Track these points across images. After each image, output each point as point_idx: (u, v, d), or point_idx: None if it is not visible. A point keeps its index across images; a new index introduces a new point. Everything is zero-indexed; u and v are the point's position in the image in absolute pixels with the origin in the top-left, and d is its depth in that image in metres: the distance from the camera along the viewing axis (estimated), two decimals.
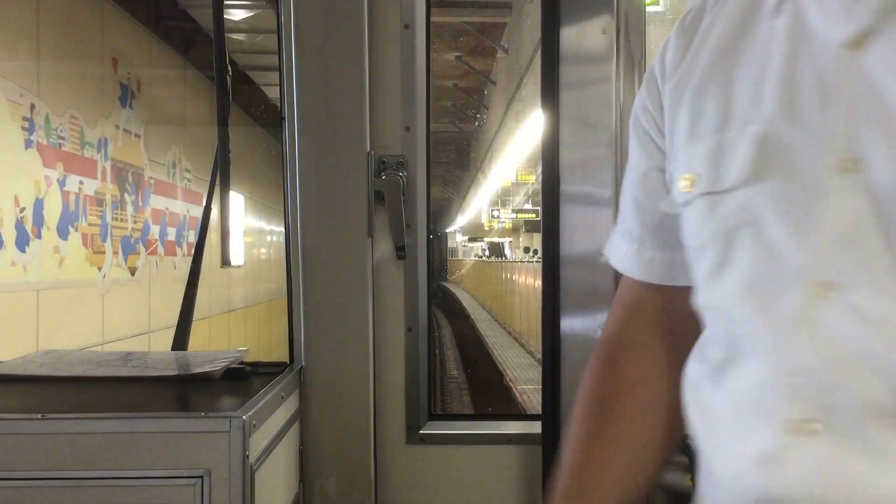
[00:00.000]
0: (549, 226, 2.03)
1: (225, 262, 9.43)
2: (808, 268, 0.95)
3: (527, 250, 23.33)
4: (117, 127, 7.29)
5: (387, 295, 2.11)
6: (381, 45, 2.06)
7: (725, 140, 1.05)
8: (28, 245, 5.66)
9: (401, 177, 2.06)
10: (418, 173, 2.10)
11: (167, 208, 8.56)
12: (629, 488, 1.26)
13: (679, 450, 1.29)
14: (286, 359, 2.09)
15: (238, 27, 9.03)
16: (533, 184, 24.13)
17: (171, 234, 8.68)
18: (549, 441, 2.00)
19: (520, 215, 28.67)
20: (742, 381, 1.03)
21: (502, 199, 30.91)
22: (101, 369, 1.94)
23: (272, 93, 11.13)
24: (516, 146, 16.86)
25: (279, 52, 2.05)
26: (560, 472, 1.28)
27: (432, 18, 2.13)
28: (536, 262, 12.70)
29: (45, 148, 5.92)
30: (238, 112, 9.84)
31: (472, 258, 36.27)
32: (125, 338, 7.20)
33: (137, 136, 7.74)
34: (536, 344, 10.84)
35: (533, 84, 11.91)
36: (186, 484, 1.42)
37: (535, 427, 2.09)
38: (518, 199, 29.89)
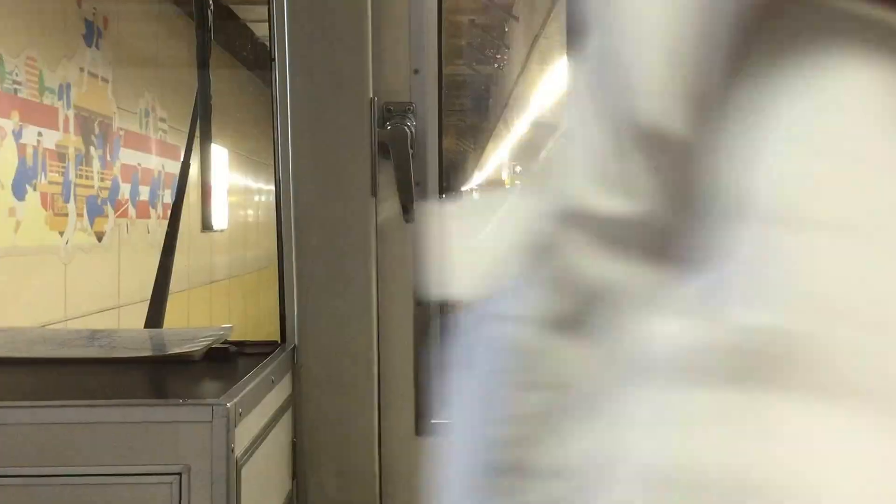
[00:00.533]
0: None
1: (206, 225, 9.46)
2: None
3: None
4: (81, 70, 7.28)
5: (392, 263, 2.10)
6: None
7: None
8: None
9: (408, 126, 2.05)
10: (428, 122, 2.09)
11: (139, 164, 8.56)
12: None
13: None
14: (277, 337, 2.10)
15: None
16: None
17: (144, 193, 8.68)
18: None
19: None
20: None
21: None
22: (62, 349, 1.95)
23: (261, 30, 11.13)
24: (542, 91, 16.83)
25: None
26: None
27: None
28: None
29: None
30: (221, 53, 9.83)
31: None
32: (91, 313, 7.23)
33: (105, 80, 7.73)
34: None
35: (562, 20, 11.86)
36: (162, 482, 1.42)
37: None
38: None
